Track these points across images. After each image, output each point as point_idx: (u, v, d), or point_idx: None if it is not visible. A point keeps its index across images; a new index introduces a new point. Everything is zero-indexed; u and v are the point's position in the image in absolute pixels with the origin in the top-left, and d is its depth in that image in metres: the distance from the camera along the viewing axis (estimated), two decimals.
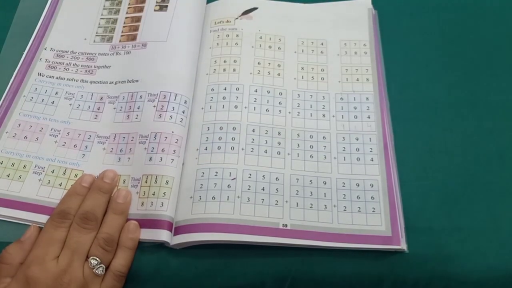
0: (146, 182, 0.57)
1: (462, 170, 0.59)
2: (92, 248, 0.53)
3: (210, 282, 0.54)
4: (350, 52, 0.68)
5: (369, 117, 0.62)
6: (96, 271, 0.51)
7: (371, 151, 0.59)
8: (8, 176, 0.59)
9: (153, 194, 0.56)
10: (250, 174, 0.58)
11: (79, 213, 0.54)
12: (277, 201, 0.56)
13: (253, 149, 0.59)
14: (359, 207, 0.56)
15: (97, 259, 0.52)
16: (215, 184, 0.57)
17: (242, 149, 0.59)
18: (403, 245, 0.53)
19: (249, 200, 0.56)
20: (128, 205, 0.56)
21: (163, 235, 0.54)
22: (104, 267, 0.52)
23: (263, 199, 0.56)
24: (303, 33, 0.70)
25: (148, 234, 0.54)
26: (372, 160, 0.59)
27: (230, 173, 0.57)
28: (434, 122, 0.62)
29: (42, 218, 0.56)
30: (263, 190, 0.57)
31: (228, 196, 0.56)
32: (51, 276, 0.49)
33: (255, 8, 0.71)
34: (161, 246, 0.55)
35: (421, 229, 0.55)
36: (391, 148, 0.60)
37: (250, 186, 0.57)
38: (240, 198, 0.56)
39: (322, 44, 0.69)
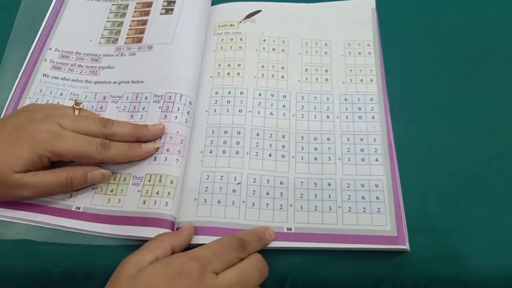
0: (150, 181, 0.57)
1: (462, 170, 0.59)
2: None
3: None
4: (354, 53, 0.68)
5: (373, 118, 0.62)
6: None
7: (375, 152, 0.60)
8: None
9: (157, 193, 0.56)
10: (255, 179, 0.58)
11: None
12: (282, 205, 0.56)
13: (257, 153, 0.60)
14: (364, 208, 0.56)
15: None
16: (221, 188, 0.57)
17: (247, 153, 0.60)
18: (407, 245, 0.53)
19: (254, 205, 0.56)
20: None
21: None
22: None
23: (267, 204, 0.57)
24: (307, 34, 0.70)
25: (150, 233, 0.53)
26: (376, 160, 0.59)
27: (235, 177, 0.58)
28: (434, 122, 0.62)
29: (47, 219, 0.56)
30: (268, 194, 0.57)
31: (233, 201, 0.56)
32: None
33: (258, 11, 0.71)
34: None
35: (421, 229, 0.55)
36: (395, 148, 0.60)
37: (254, 191, 0.57)
38: (245, 203, 0.56)
39: (326, 44, 0.69)
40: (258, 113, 0.63)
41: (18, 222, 0.56)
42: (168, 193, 0.56)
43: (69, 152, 0.55)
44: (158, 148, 0.58)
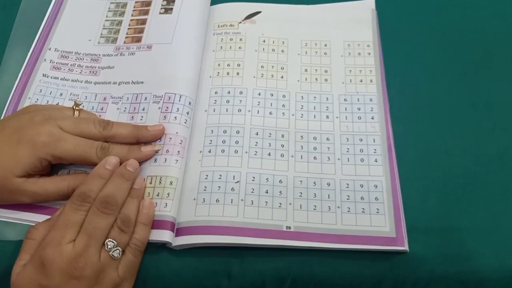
0: (151, 183, 0.57)
1: (462, 170, 0.59)
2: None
3: (210, 282, 0.54)
4: (353, 53, 0.68)
5: (372, 118, 0.62)
6: (113, 254, 0.50)
7: (375, 152, 0.60)
8: None
9: (157, 195, 0.56)
10: (254, 177, 0.58)
11: (99, 197, 0.52)
12: (281, 204, 0.56)
13: (256, 152, 0.60)
14: (363, 208, 0.56)
15: (114, 241, 0.50)
16: (219, 187, 0.57)
17: (246, 152, 0.59)
18: (406, 246, 0.53)
19: (252, 203, 0.56)
20: (143, 190, 0.56)
21: (166, 236, 0.54)
22: (121, 250, 0.51)
23: (266, 202, 0.56)
24: (307, 34, 0.70)
25: (151, 234, 0.54)
26: (376, 161, 0.59)
27: (233, 176, 0.58)
28: (434, 122, 0.62)
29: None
30: (267, 192, 0.57)
31: (232, 199, 0.56)
32: (66, 259, 0.48)
33: (258, 12, 0.71)
34: (161, 246, 0.55)
35: (421, 229, 0.55)
36: (394, 149, 0.60)
37: (253, 189, 0.57)
38: (243, 201, 0.56)
39: (325, 45, 0.69)
40: (258, 112, 0.63)
41: (19, 223, 0.56)
42: (168, 194, 0.56)
43: (69, 156, 0.55)
44: (158, 150, 0.58)
